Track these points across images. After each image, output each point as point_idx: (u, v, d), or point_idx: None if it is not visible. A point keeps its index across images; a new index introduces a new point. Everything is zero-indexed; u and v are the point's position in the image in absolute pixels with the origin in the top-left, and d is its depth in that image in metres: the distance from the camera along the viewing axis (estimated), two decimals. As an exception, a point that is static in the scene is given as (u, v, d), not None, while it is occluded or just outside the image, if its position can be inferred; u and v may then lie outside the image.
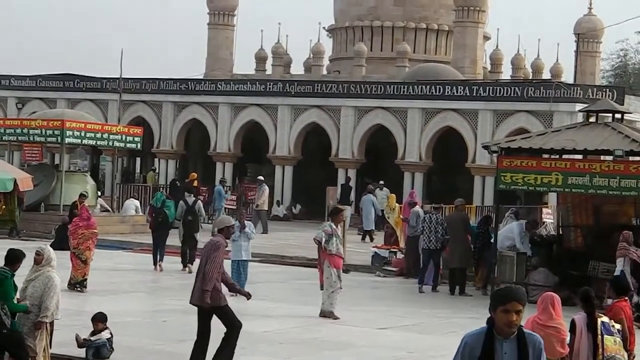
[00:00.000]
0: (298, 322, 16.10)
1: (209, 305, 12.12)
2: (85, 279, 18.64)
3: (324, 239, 16.46)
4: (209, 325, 12.29)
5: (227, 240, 13.05)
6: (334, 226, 16.71)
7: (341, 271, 16.90)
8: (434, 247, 21.39)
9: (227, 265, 19.22)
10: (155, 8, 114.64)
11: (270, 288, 20.63)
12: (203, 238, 24.85)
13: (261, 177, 34.97)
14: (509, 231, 21.19)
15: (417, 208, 24.35)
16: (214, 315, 12.26)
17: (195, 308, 12.14)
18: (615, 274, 17.58)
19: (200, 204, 24.28)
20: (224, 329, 12.07)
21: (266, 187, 33.56)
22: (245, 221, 19.83)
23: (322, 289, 16.66)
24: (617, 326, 9.65)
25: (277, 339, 13.33)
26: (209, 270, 12.18)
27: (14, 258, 11.39)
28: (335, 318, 16.36)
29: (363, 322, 16.16)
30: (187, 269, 22.68)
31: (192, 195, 24.75)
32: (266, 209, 33.49)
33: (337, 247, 16.60)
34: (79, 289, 18.28)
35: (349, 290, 19.31)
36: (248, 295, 12.99)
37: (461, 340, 6.60)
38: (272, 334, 13.93)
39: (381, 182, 36.80)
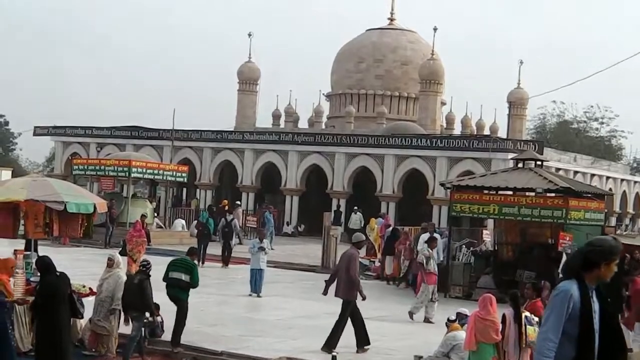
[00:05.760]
0: (303, 313, 16.08)
1: (363, 298, 12.43)
2: None
3: (424, 261, 16.20)
4: (356, 309, 12.46)
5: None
6: (430, 250, 16.49)
7: (435, 286, 16.16)
8: None
9: (248, 272, 19.14)
10: (199, 79, 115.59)
11: (282, 287, 20.59)
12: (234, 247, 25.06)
13: (238, 202, 34.88)
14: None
15: (390, 229, 24.40)
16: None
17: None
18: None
19: (235, 221, 25.66)
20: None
21: (239, 210, 33.18)
22: (264, 239, 19.56)
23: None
24: (536, 319, 9.68)
25: (287, 325, 13.32)
26: (354, 275, 12.33)
27: (192, 250, 12.88)
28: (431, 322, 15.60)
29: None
30: (225, 266, 23.94)
31: (231, 215, 26.27)
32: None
33: (433, 266, 16.34)
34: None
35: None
36: (364, 297, 12.74)
37: (558, 292, 4.97)
38: (283, 321, 13.88)
39: (355, 207, 36.65)
